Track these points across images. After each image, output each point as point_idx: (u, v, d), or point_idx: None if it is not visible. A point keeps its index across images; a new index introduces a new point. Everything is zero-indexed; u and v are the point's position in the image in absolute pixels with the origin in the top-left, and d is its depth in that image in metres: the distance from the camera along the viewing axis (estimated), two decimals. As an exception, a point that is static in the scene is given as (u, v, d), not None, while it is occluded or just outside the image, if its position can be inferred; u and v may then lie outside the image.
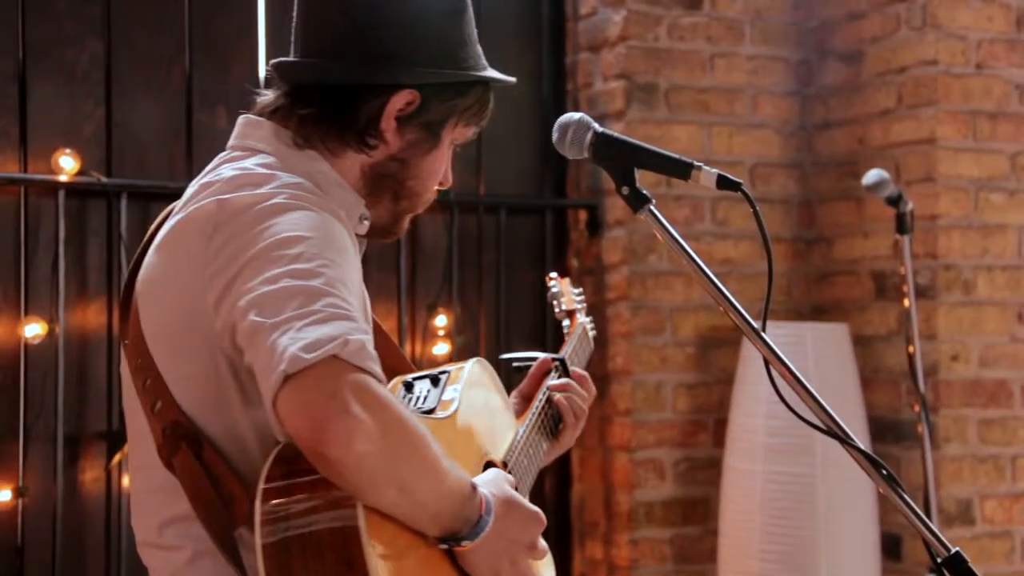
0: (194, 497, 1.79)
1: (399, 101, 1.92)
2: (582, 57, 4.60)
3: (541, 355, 2.42)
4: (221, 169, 1.89)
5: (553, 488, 4.59)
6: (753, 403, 4.20)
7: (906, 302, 3.68)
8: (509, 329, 4.48)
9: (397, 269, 4.32)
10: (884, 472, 1.83)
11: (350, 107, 1.91)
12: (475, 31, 2.04)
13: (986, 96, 4.33)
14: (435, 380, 2.03)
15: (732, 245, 4.56)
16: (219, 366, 1.79)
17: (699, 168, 1.91)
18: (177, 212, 1.88)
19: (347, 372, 1.61)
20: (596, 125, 1.97)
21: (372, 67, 1.91)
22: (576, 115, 1.97)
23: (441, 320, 4.38)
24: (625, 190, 1.93)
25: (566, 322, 2.68)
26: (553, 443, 2.34)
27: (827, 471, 4.11)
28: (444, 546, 1.76)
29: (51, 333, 3.80)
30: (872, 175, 3.61)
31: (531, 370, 2.40)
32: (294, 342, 1.61)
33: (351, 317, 1.67)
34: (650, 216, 1.92)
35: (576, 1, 4.62)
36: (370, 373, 1.64)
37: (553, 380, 2.36)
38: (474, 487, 1.78)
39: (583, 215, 4.58)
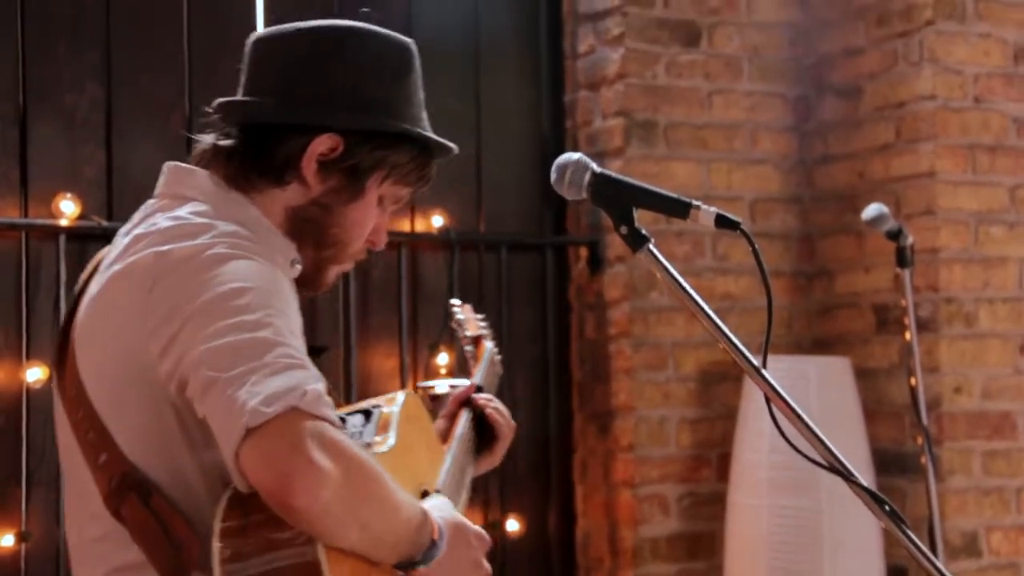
0: (144, 545, 1.80)
1: (321, 144, 1.93)
2: (581, 95, 4.62)
3: (456, 381, 2.49)
4: (155, 219, 1.89)
5: (557, 525, 4.58)
6: (757, 438, 4.19)
7: (908, 335, 3.68)
8: (512, 367, 4.47)
9: (398, 308, 4.32)
10: (887, 508, 1.83)
11: (272, 144, 1.93)
12: (421, 95, 2.03)
13: (984, 130, 4.34)
14: (367, 414, 2.05)
15: (733, 280, 4.56)
16: (163, 414, 1.79)
17: (698, 207, 1.90)
18: (112, 264, 1.88)
19: (307, 422, 1.64)
20: (594, 165, 1.96)
21: (299, 108, 1.94)
22: (574, 155, 1.96)
23: (443, 358, 4.38)
24: (624, 230, 1.92)
25: (469, 348, 2.72)
26: (479, 462, 2.40)
27: (832, 505, 4.10)
28: (401, 572, 1.81)
29: (52, 377, 3.80)
30: (872, 209, 3.61)
31: (455, 393, 2.44)
32: (252, 396, 1.63)
33: (304, 366, 1.70)
34: (649, 255, 1.92)
35: (575, 39, 4.64)
36: (328, 420, 1.67)
37: (480, 396, 2.42)
38: (425, 514, 1.83)
39: (584, 252, 4.58)
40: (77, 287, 1.98)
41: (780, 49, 4.68)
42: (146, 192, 1.99)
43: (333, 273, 2.03)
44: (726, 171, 4.58)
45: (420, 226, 4.39)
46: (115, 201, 3.93)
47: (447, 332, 4.38)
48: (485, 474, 2.49)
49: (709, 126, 4.56)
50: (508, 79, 4.61)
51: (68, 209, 3.84)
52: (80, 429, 1.86)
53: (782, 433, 1.88)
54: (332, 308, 4.22)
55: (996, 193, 4.34)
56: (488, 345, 2.70)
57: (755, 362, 1.88)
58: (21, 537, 3.76)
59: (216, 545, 1.68)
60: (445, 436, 2.35)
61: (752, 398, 4.26)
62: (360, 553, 1.74)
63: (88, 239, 3.88)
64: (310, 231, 1.96)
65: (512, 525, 4.47)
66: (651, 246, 1.92)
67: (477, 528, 1.94)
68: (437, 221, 4.40)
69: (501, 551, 4.43)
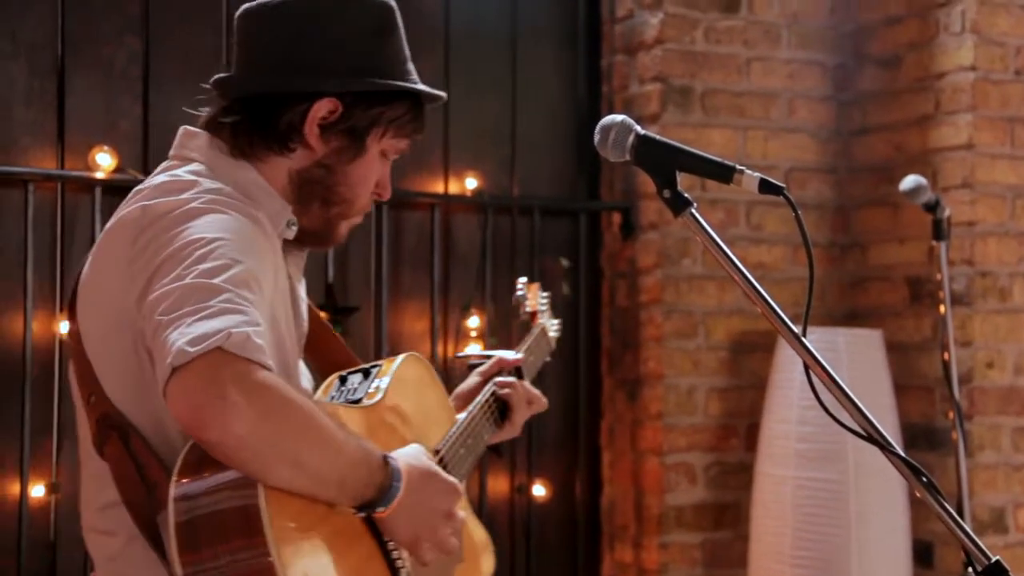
0: (121, 484, 1.91)
1: (321, 109, 2.04)
2: (618, 59, 4.60)
3: (496, 354, 2.58)
4: (156, 176, 2.03)
5: (583, 491, 4.58)
6: (786, 409, 4.18)
7: (942, 308, 3.65)
8: (541, 331, 4.47)
9: (430, 269, 4.32)
10: (924, 479, 1.82)
11: (274, 114, 2.04)
12: (406, 49, 2.13)
13: (1025, 103, 4.30)
14: (366, 373, 2.17)
15: (766, 250, 4.54)
16: (142, 360, 1.89)
17: (742, 172, 1.90)
18: (112, 217, 2.01)
19: (230, 363, 1.71)
20: (638, 127, 1.95)
21: (295, 77, 2.04)
22: (618, 117, 1.96)
23: (474, 321, 4.38)
24: (667, 193, 1.92)
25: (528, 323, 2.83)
26: (497, 431, 2.49)
27: (859, 478, 4.09)
28: (362, 514, 1.86)
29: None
30: (909, 180, 3.58)
31: (484, 367, 2.55)
32: (182, 337, 1.72)
33: (243, 311, 1.76)
34: (691, 219, 1.92)
35: (613, 3, 4.61)
36: (257, 363, 1.73)
37: (500, 379, 2.52)
38: (384, 457, 1.87)
39: (617, 218, 4.57)
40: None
41: (819, 17, 4.64)
42: (183, 146, 2.06)
43: (344, 228, 2.14)
44: (762, 139, 4.56)
45: (454, 188, 4.38)
46: (151, 154, 3.93)
47: (478, 294, 4.38)
48: (514, 439, 2.55)
49: (747, 93, 4.53)
50: (545, 42, 4.59)
51: (104, 162, 3.85)
52: (77, 371, 1.98)
53: (819, 400, 1.87)
54: (364, 269, 4.21)
55: (1035, 167, 4.31)
56: (541, 321, 2.80)
57: (795, 330, 1.87)
58: (52, 488, 3.78)
59: (173, 483, 1.76)
60: (468, 402, 2.45)
61: (782, 369, 4.25)
62: (307, 493, 1.79)
63: (124, 192, 3.85)
64: (317, 191, 2.08)
65: (539, 490, 4.47)
66: (694, 210, 1.92)
67: (450, 478, 1.98)
68: (471, 183, 4.39)
69: (527, 515, 4.44)
